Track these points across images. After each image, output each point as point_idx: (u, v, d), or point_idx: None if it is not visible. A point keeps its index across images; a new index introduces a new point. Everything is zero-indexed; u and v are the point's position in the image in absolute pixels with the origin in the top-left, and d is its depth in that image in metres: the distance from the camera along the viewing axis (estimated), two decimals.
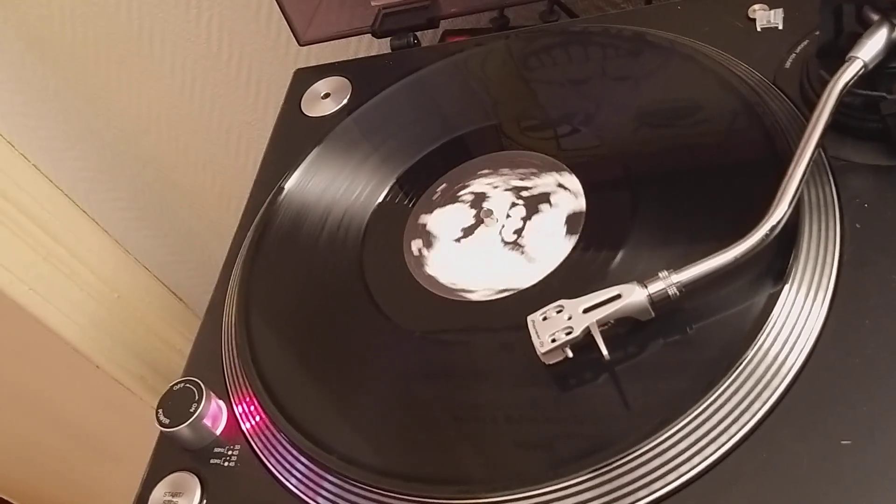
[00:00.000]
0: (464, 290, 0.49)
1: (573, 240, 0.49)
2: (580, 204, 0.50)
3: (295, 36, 0.71)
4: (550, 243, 0.49)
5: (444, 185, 0.56)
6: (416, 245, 0.53)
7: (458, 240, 0.52)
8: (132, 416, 0.96)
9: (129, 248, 1.00)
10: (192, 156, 1.07)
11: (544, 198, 0.52)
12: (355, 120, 0.63)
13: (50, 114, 0.95)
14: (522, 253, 0.50)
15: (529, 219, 0.51)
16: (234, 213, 0.62)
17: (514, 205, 0.52)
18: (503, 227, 0.51)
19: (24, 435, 1.01)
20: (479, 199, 0.54)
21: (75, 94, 0.99)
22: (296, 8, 0.70)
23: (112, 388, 0.93)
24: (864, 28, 0.43)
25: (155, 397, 0.48)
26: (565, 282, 0.47)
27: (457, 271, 0.50)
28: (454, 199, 0.55)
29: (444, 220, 0.54)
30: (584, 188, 0.51)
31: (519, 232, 0.51)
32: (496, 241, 0.51)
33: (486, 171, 0.55)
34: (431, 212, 0.55)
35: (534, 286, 0.47)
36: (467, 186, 0.55)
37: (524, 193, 0.53)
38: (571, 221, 0.50)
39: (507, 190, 0.53)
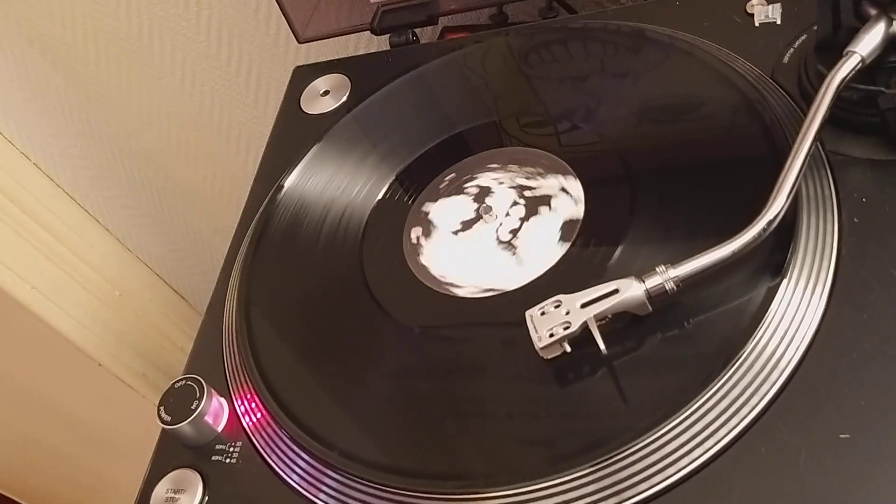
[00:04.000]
0: (451, 284, 0.49)
1: (565, 247, 0.48)
2: (578, 211, 0.50)
3: (294, 34, 0.71)
4: (543, 248, 0.49)
5: (452, 174, 0.56)
6: (415, 232, 0.53)
7: (455, 232, 0.52)
8: (134, 414, 0.96)
9: (131, 245, 1.00)
10: (193, 152, 1.07)
11: (545, 200, 0.52)
12: (355, 117, 0.63)
13: (51, 111, 0.95)
14: (514, 254, 0.50)
15: (527, 220, 0.51)
16: (235, 210, 0.62)
17: (515, 203, 0.52)
18: (500, 225, 0.51)
19: (26, 433, 1.01)
20: (483, 193, 0.54)
21: (76, 91, 0.99)
22: (295, 6, 0.70)
23: (114, 385, 0.94)
24: (861, 23, 0.43)
25: (157, 395, 0.48)
26: (555, 283, 0.47)
27: (448, 264, 0.51)
28: (460, 190, 0.55)
29: (447, 211, 0.54)
30: (584, 188, 0.51)
31: (515, 232, 0.51)
32: (491, 238, 0.51)
33: (494, 165, 0.55)
34: (436, 201, 0.55)
35: (517, 289, 0.47)
36: (474, 179, 0.55)
37: (527, 193, 0.53)
38: (566, 228, 0.49)
39: (511, 187, 0.53)
